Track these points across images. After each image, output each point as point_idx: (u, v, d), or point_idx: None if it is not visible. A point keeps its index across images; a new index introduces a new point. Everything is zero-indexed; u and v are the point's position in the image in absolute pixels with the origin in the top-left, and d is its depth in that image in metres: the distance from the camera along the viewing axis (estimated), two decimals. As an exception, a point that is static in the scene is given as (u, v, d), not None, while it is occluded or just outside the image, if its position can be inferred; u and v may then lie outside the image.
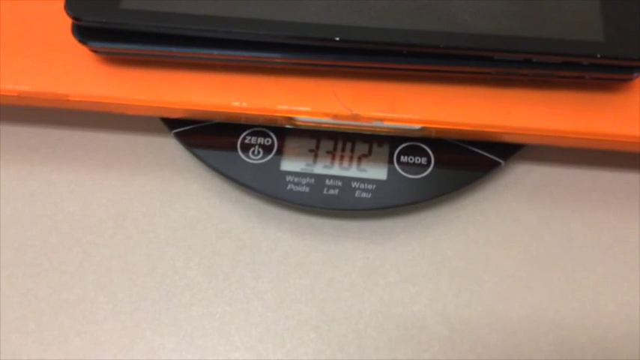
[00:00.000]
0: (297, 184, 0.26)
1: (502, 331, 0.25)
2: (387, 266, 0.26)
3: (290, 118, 0.24)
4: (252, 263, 0.26)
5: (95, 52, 0.24)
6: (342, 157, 0.26)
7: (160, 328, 0.25)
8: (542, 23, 0.23)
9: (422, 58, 0.23)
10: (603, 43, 0.22)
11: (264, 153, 0.26)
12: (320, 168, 0.26)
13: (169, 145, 0.28)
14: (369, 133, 0.25)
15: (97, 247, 0.26)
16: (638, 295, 0.25)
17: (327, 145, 0.27)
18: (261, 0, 0.23)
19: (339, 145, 0.27)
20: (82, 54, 0.24)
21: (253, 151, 0.26)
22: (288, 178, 0.26)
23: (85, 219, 0.27)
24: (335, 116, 0.24)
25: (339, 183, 0.26)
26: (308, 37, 0.23)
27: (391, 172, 0.26)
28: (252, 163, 0.26)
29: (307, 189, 0.26)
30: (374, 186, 0.26)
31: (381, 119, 0.24)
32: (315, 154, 0.26)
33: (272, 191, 0.26)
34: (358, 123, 0.24)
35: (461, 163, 0.26)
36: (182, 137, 0.26)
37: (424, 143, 0.26)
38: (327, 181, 0.26)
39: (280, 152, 0.26)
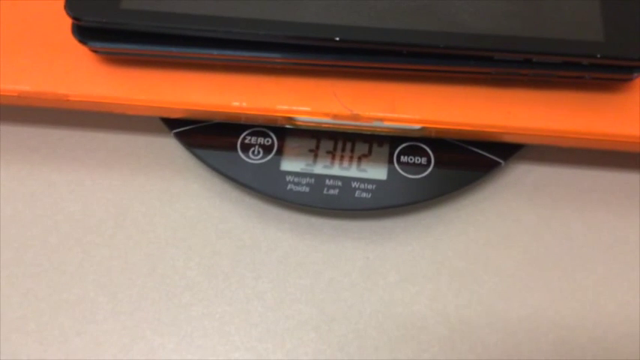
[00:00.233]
0: (297, 184, 0.26)
1: (502, 331, 0.25)
2: (387, 266, 0.26)
3: (290, 118, 0.24)
4: (252, 263, 0.26)
5: (95, 52, 0.24)
6: (342, 157, 0.26)
7: (160, 328, 0.25)
8: (542, 23, 0.23)
9: (422, 58, 0.23)
10: (603, 43, 0.22)
11: (264, 153, 0.26)
12: (320, 168, 0.26)
13: (169, 145, 0.28)
14: (369, 133, 0.25)
15: (97, 247, 0.26)
16: (638, 295, 0.25)
17: (327, 145, 0.27)
18: (261, 0, 0.23)
19: (339, 145, 0.27)
20: (82, 54, 0.24)
21: (253, 151, 0.26)
22: (288, 178, 0.26)
23: (85, 219, 0.27)
24: (335, 116, 0.24)
25: (339, 183, 0.26)
26: (308, 37, 0.23)
27: (391, 172, 0.26)
28: (252, 163, 0.26)
29: (307, 189, 0.26)
30: (374, 186, 0.26)
31: (381, 119, 0.24)
32: (315, 154, 0.26)
33: (272, 191, 0.26)
34: (358, 123, 0.24)
35: (461, 163, 0.26)
36: (182, 137, 0.26)
37: (424, 143, 0.26)
38: (327, 181, 0.26)
39: (280, 152, 0.26)
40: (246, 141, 0.26)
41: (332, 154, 0.26)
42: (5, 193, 0.27)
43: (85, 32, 0.23)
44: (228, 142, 0.26)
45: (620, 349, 0.24)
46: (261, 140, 0.26)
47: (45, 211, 0.27)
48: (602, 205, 0.27)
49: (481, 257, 0.26)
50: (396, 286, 0.26)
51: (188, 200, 0.27)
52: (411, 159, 0.26)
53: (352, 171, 0.26)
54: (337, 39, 0.22)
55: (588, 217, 0.27)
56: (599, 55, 0.22)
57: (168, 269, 0.26)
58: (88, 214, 0.27)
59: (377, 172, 0.26)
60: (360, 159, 0.26)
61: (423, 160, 0.26)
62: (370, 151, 0.26)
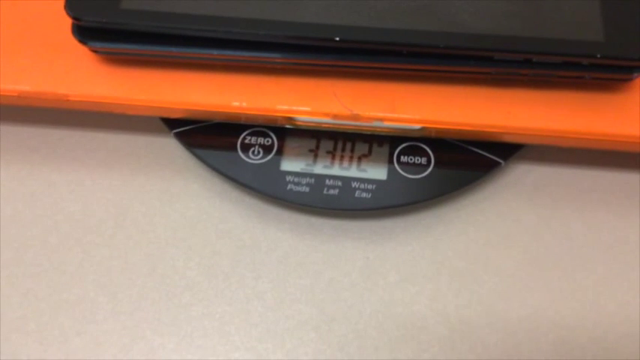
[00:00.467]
0: (297, 184, 0.26)
1: (502, 331, 0.25)
2: (387, 266, 0.26)
3: (290, 118, 0.24)
4: (252, 263, 0.26)
5: (95, 52, 0.24)
6: (342, 157, 0.26)
7: (160, 328, 0.25)
8: (542, 23, 0.23)
9: (422, 58, 0.23)
10: (603, 43, 0.22)
11: (264, 153, 0.26)
12: (320, 168, 0.26)
13: (169, 145, 0.28)
14: (369, 133, 0.25)
15: (97, 247, 0.26)
16: (638, 295, 0.25)
17: (327, 145, 0.27)
18: (261, 0, 0.23)
19: (339, 145, 0.27)
20: (82, 54, 0.24)
21: (253, 151, 0.26)
22: (288, 178, 0.26)
23: (85, 219, 0.27)
24: (335, 116, 0.24)
25: (339, 183, 0.26)
26: (308, 37, 0.23)
27: (391, 172, 0.26)
28: (252, 163, 0.26)
29: (307, 189, 0.26)
30: (374, 186, 0.26)
31: (381, 119, 0.24)
32: (315, 154, 0.26)
33: (272, 191, 0.26)
34: (358, 123, 0.24)
35: (461, 163, 0.26)
36: (182, 137, 0.26)
37: (424, 143, 0.26)
38: (327, 181, 0.26)
39: (280, 152, 0.26)
40: (246, 141, 0.26)
41: (332, 154, 0.26)
42: (5, 193, 0.27)
43: (85, 32, 0.23)
44: (228, 142, 0.26)
45: (620, 349, 0.24)
46: (261, 140, 0.26)
47: (45, 211, 0.27)
48: (602, 205, 0.27)
49: (481, 257, 0.26)
50: (396, 286, 0.26)
51: (188, 200, 0.27)
52: (411, 159, 0.26)
53: (352, 171, 0.26)
54: (337, 39, 0.22)
55: (588, 217, 0.27)
56: (599, 55, 0.22)
57: (168, 269, 0.26)
58: (88, 214, 0.27)
59: (377, 172, 0.26)
60: (360, 159, 0.26)
61: (423, 160, 0.26)
62: (370, 151, 0.26)
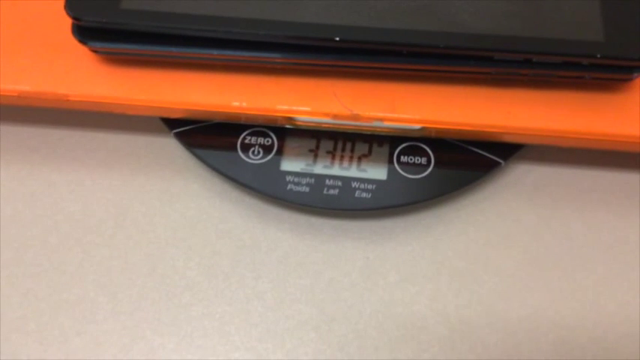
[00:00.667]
0: (297, 184, 0.26)
1: (502, 331, 0.25)
2: (387, 266, 0.26)
3: (290, 118, 0.24)
4: (252, 263, 0.26)
5: (95, 52, 0.24)
6: (342, 157, 0.26)
7: (160, 328, 0.25)
8: (542, 23, 0.23)
9: (422, 58, 0.23)
10: (603, 43, 0.22)
11: (264, 153, 0.26)
12: (320, 168, 0.26)
13: (169, 145, 0.28)
14: (369, 133, 0.25)
15: (97, 247, 0.26)
16: (638, 295, 0.25)
17: (327, 145, 0.27)
18: (261, 0, 0.23)
19: (339, 145, 0.27)
20: (82, 54, 0.24)
21: (253, 151, 0.26)
22: (288, 178, 0.26)
23: (85, 219, 0.27)
24: (335, 116, 0.24)
25: (339, 183, 0.26)
26: (308, 37, 0.23)
27: (391, 172, 0.26)
28: (252, 163, 0.26)
29: (307, 189, 0.26)
30: (374, 186, 0.26)
31: (381, 119, 0.24)
32: (315, 154, 0.26)
33: (272, 191, 0.26)
34: (358, 123, 0.24)
35: (461, 163, 0.26)
36: (182, 137, 0.26)
37: (424, 143, 0.26)
38: (327, 181, 0.26)
39: (280, 152, 0.26)
40: (246, 141, 0.26)
41: (332, 154, 0.26)
42: (5, 193, 0.27)
43: (85, 32, 0.23)
44: (228, 142, 0.26)
45: (620, 349, 0.24)
46: (261, 140, 0.26)
47: (45, 211, 0.27)
48: (602, 205, 0.27)
49: (481, 257, 0.26)
50: (396, 286, 0.26)
51: (188, 200, 0.27)
52: (411, 159, 0.26)
53: (352, 171, 0.26)
54: (337, 39, 0.22)
55: (588, 217, 0.27)
56: (599, 55, 0.22)
57: (168, 269, 0.26)
58: (88, 214, 0.27)
59: (377, 172, 0.26)
60: (360, 159, 0.26)
61: (423, 160, 0.26)
62: (370, 151, 0.26)
